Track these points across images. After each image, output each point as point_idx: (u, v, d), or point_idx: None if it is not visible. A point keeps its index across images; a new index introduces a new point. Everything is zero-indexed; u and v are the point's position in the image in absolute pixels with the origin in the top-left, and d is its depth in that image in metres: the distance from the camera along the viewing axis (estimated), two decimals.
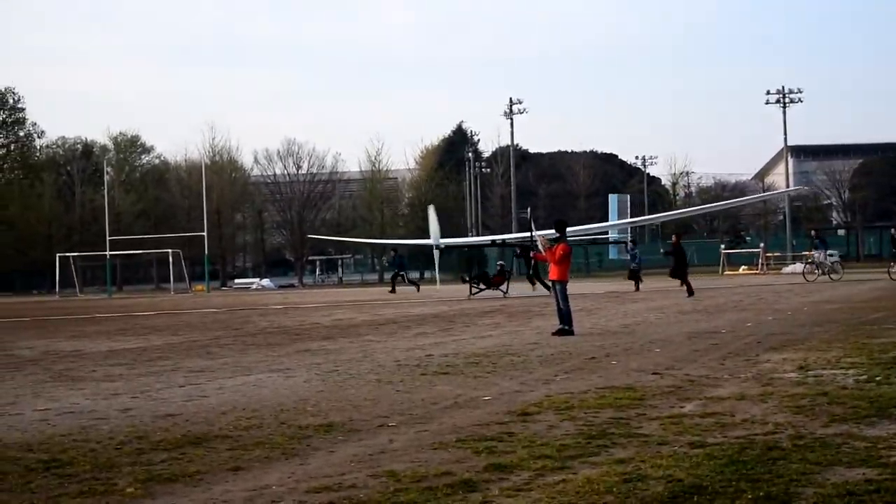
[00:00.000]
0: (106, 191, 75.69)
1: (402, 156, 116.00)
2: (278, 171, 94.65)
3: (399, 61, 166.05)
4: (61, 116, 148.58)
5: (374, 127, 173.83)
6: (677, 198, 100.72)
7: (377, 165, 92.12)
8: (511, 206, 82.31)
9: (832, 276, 40.14)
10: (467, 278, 38.81)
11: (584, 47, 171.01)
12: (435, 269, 44.88)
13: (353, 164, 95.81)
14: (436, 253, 42.66)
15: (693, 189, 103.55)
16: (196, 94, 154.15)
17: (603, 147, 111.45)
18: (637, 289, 38.20)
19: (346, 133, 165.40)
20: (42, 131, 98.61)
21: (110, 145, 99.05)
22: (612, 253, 52.07)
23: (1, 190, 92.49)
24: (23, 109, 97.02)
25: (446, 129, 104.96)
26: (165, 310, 36.37)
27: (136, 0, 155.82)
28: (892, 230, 41.72)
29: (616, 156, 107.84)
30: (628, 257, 43.99)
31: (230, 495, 6.28)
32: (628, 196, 49.11)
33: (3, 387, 12.21)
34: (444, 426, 8.39)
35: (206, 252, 68.23)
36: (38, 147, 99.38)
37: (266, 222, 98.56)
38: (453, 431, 8.09)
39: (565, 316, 17.40)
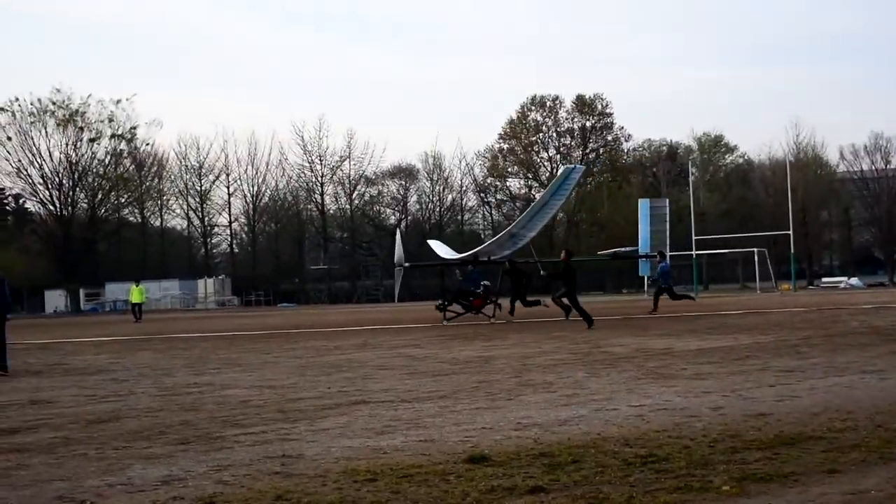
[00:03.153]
0: (691, 191, 76.87)
1: None
2: (865, 167, 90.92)
3: None
4: (646, 119, 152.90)
5: None
6: None
7: None
8: None
9: None
10: (444, 303, 33.35)
11: None
12: None
13: None
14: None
15: None
16: (778, 91, 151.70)
17: None
18: (654, 309, 33.74)
19: None
20: (629, 135, 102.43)
21: (694, 146, 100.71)
22: (644, 269, 41.81)
23: (592, 193, 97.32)
24: (610, 114, 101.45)
25: None
26: (752, 308, 36.19)
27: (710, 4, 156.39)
28: None
29: None
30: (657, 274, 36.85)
31: (827, 498, 6.09)
32: (666, 202, 40.80)
33: (599, 382, 12.73)
34: None
35: (792, 251, 67.12)
36: (626, 150, 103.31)
37: (853, 220, 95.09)
38: None
39: None
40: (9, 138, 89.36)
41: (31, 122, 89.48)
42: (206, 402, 11.89)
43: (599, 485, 6.63)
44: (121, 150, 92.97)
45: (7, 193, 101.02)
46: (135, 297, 49.36)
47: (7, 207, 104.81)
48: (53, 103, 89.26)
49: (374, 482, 6.88)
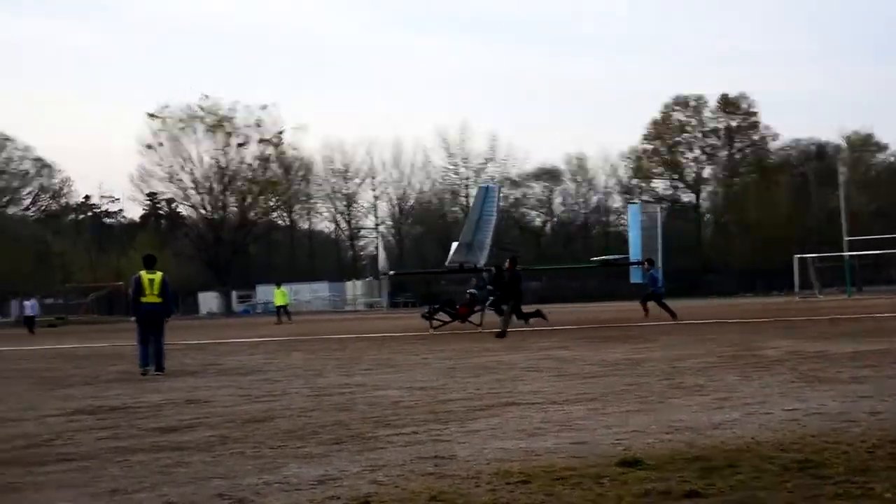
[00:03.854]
0: (841, 191, 74.85)
1: None
2: None
3: None
4: (793, 118, 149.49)
5: None
6: None
7: None
8: None
9: None
10: (431, 310, 32.51)
11: None
12: None
13: None
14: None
15: None
16: None
17: None
18: (646, 313, 32.68)
19: None
20: (776, 134, 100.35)
21: (844, 144, 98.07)
22: (635, 276, 38.83)
23: (739, 193, 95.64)
24: (755, 113, 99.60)
25: None
26: None
27: None
28: None
29: None
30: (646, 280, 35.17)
31: None
32: (658, 207, 38.06)
33: (752, 386, 12.50)
34: None
35: None
36: (772, 150, 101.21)
37: None
38: None
39: None
40: (160, 144, 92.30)
41: (182, 129, 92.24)
42: (358, 403, 12.07)
43: (756, 490, 6.52)
44: (268, 154, 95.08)
45: (160, 198, 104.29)
46: (278, 300, 50.83)
47: (160, 211, 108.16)
48: (202, 109, 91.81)
49: (528, 484, 6.89)
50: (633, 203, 41.50)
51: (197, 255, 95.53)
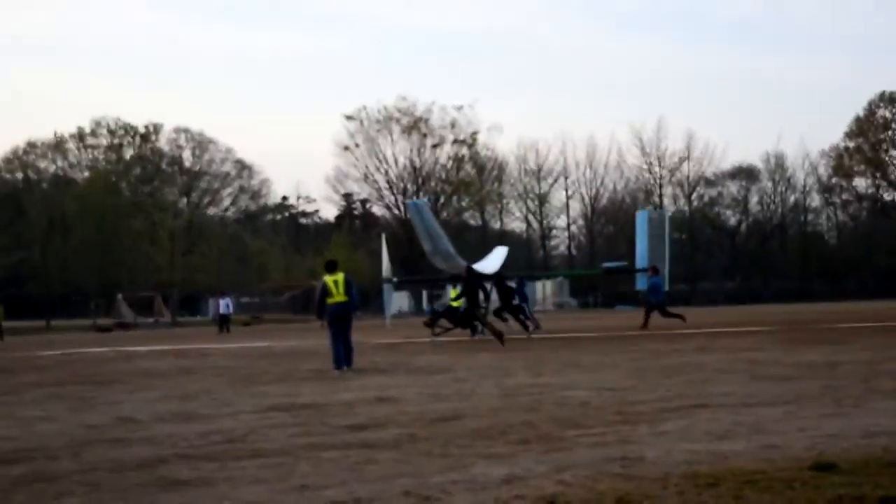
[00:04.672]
0: None
1: None
2: None
3: None
4: None
5: None
6: None
7: None
8: None
9: None
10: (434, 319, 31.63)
11: None
12: None
13: None
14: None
15: None
16: None
17: None
18: (645, 325, 31.62)
19: None
20: None
21: None
22: (641, 284, 36.15)
23: None
24: None
25: None
26: None
27: None
28: None
29: None
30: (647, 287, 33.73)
31: None
32: (666, 213, 34.71)
33: None
34: None
35: None
36: None
37: None
38: None
39: None
40: (357, 145, 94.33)
41: (378, 130, 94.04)
42: (546, 403, 12.05)
43: None
44: (462, 154, 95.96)
45: (355, 198, 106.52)
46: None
47: (355, 212, 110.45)
48: (399, 111, 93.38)
49: (716, 487, 6.76)
50: (641, 212, 40.96)
51: (390, 254, 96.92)
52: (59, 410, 13.31)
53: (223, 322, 50.00)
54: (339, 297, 19.19)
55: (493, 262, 36.27)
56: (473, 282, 28.26)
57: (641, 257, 36.20)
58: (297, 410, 12.23)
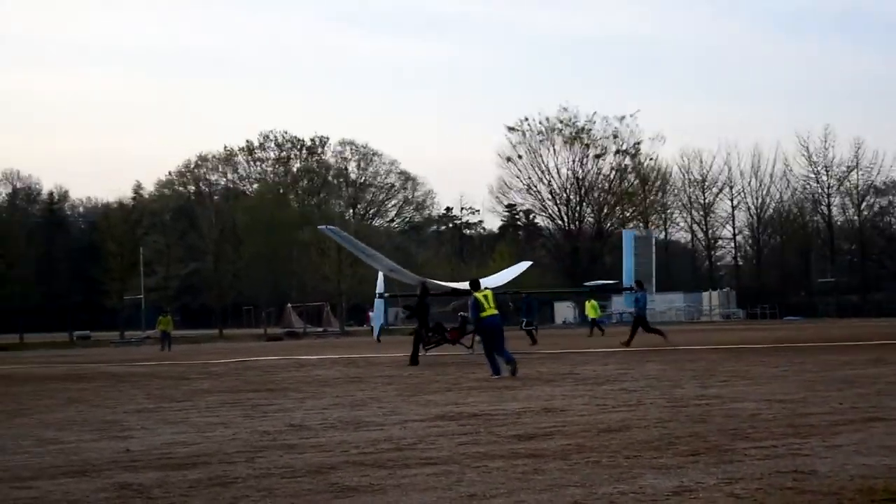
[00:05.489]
0: None
1: None
2: None
3: None
4: None
5: None
6: None
7: None
8: None
9: None
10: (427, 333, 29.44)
11: None
12: None
13: None
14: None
15: None
16: None
17: None
18: (629, 341, 30.75)
19: None
20: None
21: None
22: (628, 301, 36.99)
23: None
24: None
25: None
26: None
27: None
28: None
29: None
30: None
31: None
32: (653, 234, 33.08)
33: None
34: None
35: None
36: None
37: None
38: None
39: None
40: (520, 156, 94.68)
41: (540, 141, 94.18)
42: (715, 415, 11.91)
43: None
44: (625, 165, 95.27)
45: (518, 209, 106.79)
46: (590, 313, 51.49)
47: (518, 223, 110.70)
48: (561, 122, 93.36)
49: (893, 503, 6.60)
50: (627, 231, 41.71)
51: (553, 265, 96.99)
52: (234, 417, 13.75)
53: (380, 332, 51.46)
54: (490, 310, 20.27)
55: (502, 276, 38.78)
56: (424, 301, 28.46)
57: (628, 275, 37.09)
58: (465, 420, 12.35)
